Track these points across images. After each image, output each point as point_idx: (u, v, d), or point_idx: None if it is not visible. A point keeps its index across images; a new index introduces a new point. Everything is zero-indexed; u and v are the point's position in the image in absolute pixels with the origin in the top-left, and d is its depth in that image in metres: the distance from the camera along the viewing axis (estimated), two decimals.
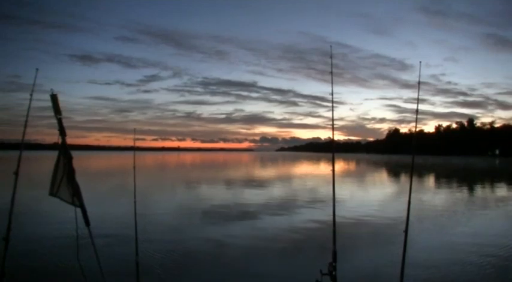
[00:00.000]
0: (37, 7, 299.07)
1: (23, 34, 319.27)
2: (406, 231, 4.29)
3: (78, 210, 3.99)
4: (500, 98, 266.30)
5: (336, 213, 4.50)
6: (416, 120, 4.98)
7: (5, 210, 3.66)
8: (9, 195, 3.57)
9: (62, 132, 3.84)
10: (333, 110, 5.00)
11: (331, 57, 5.12)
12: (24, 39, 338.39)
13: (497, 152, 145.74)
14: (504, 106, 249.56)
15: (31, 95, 3.92)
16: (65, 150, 3.83)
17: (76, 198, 3.91)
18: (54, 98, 3.82)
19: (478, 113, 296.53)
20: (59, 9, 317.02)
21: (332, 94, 5.02)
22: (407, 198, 4.40)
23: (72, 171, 3.86)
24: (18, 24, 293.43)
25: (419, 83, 4.81)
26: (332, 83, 5.01)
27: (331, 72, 5.05)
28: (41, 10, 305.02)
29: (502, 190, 26.13)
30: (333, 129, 5.11)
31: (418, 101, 4.72)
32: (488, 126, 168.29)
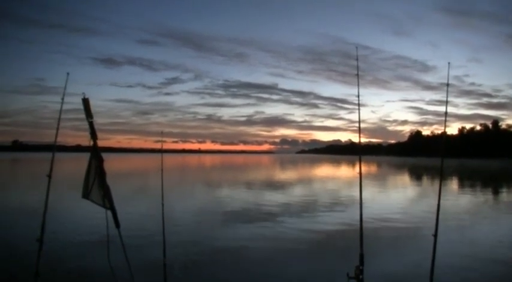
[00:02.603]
0: (60, 11, 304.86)
1: (46, 38, 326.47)
2: (435, 235, 4.22)
3: (109, 212, 4.05)
4: None
5: (362, 216, 4.47)
6: (445, 123, 4.91)
7: (38, 212, 3.74)
8: (41, 197, 3.64)
9: (94, 135, 3.90)
10: (359, 112, 4.94)
11: (356, 59, 5.06)
12: (48, 42, 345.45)
13: None
14: None
15: (62, 99, 3.98)
16: (96, 153, 3.90)
17: (107, 200, 3.98)
18: (85, 102, 3.88)
19: (503, 114, 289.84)
20: (81, 13, 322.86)
21: (358, 96, 4.97)
22: (433, 201, 4.34)
23: (103, 174, 3.92)
24: (42, 28, 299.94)
25: (447, 84, 4.72)
26: (358, 85, 4.96)
27: (357, 74, 4.99)
28: (64, 14, 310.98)
29: None
30: (360, 131, 5.06)
31: (447, 103, 4.64)
32: None
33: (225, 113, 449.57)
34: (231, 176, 41.34)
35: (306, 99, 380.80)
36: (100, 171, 3.89)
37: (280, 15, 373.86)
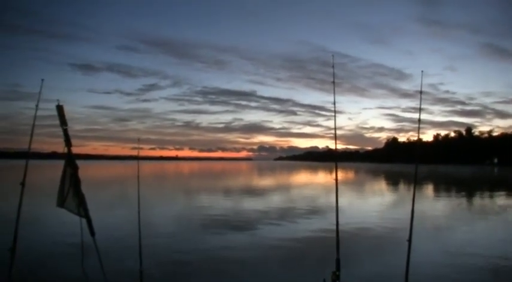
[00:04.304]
0: (38, 16, 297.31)
1: (24, 43, 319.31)
2: (409, 241, 4.30)
3: (84, 220, 4.01)
4: (498, 107, 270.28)
5: (339, 221, 4.52)
6: (419, 130, 5.02)
7: (10, 221, 3.67)
8: (14, 206, 3.57)
9: (68, 142, 3.86)
10: (335, 119, 5.02)
11: (333, 67, 5.13)
12: (25, 48, 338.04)
13: (495, 160, 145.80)
14: (502, 115, 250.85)
15: (37, 105, 3.95)
16: (71, 161, 3.86)
17: (81, 208, 3.93)
18: (60, 109, 3.85)
19: (476, 121, 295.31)
20: (60, 18, 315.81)
21: (334, 103, 5.05)
22: (408, 207, 4.42)
23: (78, 182, 3.88)
24: (19, 33, 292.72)
25: (421, 92, 4.84)
26: (334, 93, 5.03)
27: (333, 82, 5.07)
28: (42, 19, 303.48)
29: (502, 199, 26.13)
30: (336, 138, 5.12)
31: (420, 110, 4.75)
32: (486, 135, 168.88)
33: (204, 119, 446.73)
34: (209, 183, 41.17)
35: (284, 106, 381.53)
36: (75, 179, 3.85)
37: (260, 23, 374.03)
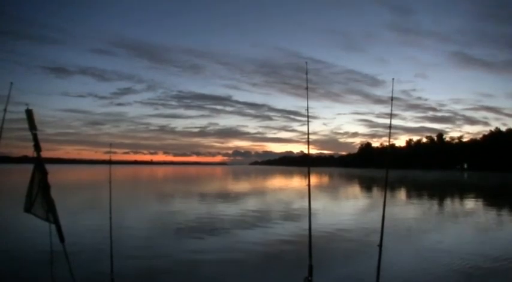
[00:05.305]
0: (10, 17, 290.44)
1: None
2: (380, 246, 4.37)
3: (53, 226, 3.93)
4: (468, 113, 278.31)
5: (312, 227, 4.56)
6: (390, 135, 5.13)
7: None
8: None
9: (38, 147, 3.79)
10: (308, 125, 5.08)
11: (306, 73, 5.22)
12: None
13: (465, 165, 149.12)
14: (471, 121, 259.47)
15: (5, 109, 3.88)
16: (40, 166, 3.79)
17: (51, 214, 3.86)
18: (29, 113, 3.78)
19: (447, 127, 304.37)
20: (32, 20, 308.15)
21: (307, 109, 5.12)
22: (380, 211, 4.50)
23: (47, 187, 3.81)
24: None
25: (392, 99, 4.96)
26: (307, 98, 5.10)
27: (307, 88, 5.15)
28: (13, 20, 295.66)
29: (471, 202, 26.74)
30: (308, 143, 5.19)
31: (392, 116, 4.86)
32: (456, 140, 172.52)
33: (179, 124, 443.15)
34: (183, 188, 40.88)
35: (260, 111, 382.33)
36: (44, 185, 3.78)
37: (236, 28, 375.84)
